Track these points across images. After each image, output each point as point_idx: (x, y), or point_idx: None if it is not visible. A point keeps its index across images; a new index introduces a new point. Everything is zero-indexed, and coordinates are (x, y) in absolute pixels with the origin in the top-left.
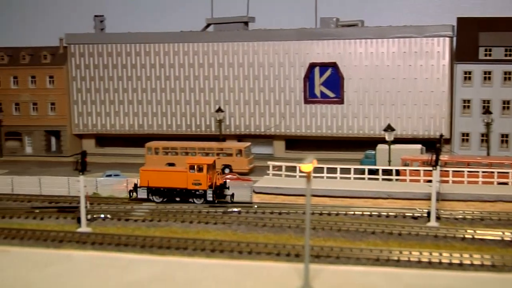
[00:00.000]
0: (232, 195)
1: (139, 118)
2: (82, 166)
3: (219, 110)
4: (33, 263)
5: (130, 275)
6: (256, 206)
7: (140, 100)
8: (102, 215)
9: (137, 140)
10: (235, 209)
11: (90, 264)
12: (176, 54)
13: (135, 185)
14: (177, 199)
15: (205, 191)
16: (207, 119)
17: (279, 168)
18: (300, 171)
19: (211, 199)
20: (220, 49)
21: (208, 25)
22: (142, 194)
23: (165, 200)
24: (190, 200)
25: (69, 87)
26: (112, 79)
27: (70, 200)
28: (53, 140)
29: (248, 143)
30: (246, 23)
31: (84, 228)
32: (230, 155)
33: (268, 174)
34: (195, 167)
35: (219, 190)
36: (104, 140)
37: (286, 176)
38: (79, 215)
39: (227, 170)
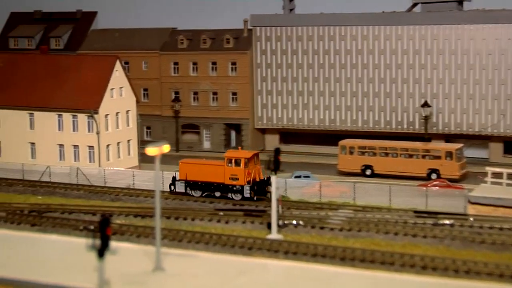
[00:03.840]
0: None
1: (331, 112)
2: (275, 165)
3: (425, 104)
4: (225, 270)
5: None
6: (472, 219)
7: (333, 91)
8: (294, 222)
9: (328, 137)
10: (447, 222)
11: (288, 275)
12: (376, 38)
13: (174, 178)
14: (217, 194)
15: (242, 186)
16: (410, 115)
17: (499, 175)
18: None
19: (248, 195)
20: (429, 33)
21: (414, 5)
22: (180, 188)
23: (204, 195)
24: (229, 195)
25: (253, 75)
26: (302, 67)
27: (256, 203)
28: (233, 134)
29: (460, 145)
30: (460, 3)
31: (274, 235)
32: (438, 158)
33: (485, 182)
34: (233, 160)
35: (258, 186)
36: (289, 136)
37: (508, 185)
38: (270, 220)
39: (434, 176)
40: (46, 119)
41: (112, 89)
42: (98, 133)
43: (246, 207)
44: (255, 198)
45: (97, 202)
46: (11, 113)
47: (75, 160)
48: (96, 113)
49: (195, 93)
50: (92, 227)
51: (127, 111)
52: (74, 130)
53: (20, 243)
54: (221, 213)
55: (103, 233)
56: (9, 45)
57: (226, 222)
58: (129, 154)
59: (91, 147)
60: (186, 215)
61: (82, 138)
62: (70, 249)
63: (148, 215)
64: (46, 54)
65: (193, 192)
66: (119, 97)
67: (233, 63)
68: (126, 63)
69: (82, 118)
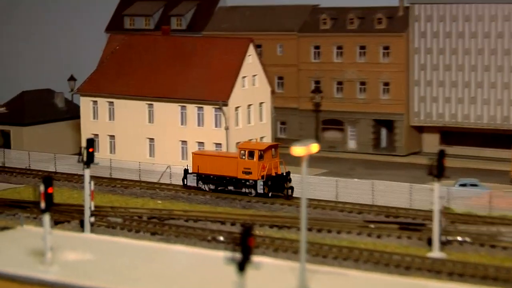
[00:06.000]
0: (291, 189)
1: (504, 108)
2: (439, 170)
3: None
4: None
5: None
6: None
7: (507, 83)
8: (460, 238)
9: (500, 138)
10: None
11: None
12: None
13: (186, 171)
14: (231, 188)
15: (255, 181)
16: None
17: None
18: None
19: (261, 191)
20: None
21: None
22: (192, 181)
23: (218, 189)
24: (243, 190)
25: (409, 63)
26: (469, 53)
27: (413, 215)
28: (383, 132)
29: None
30: None
31: (436, 252)
32: None
33: None
34: (246, 152)
35: (273, 182)
36: (452, 135)
37: None
38: (430, 236)
39: None
40: (167, 112)
41: (244, 77)
42: (227, 128)
43: (401, 220)
44: (270, 195)
45: (225, 209)
46: (127, 104)
47: None
48: (225, 105)
49: (339, 83)
50: (221, 237)
51: (261, 104)
52: (199, 125)
53: (140, 254)
54: (372, 226)
55: (244, 244)
56: (124, 25)
57: (378, 237)
58: None
59: (218, 144)
60: (331, 227)
61: (208, 134)
62: (199, 262)
63: (286, 225)
64: (168, 36)
65: (205, 186)
66: (252, 86)
67: (386, 48)
68: (258, 46)
69: (208, 110)
